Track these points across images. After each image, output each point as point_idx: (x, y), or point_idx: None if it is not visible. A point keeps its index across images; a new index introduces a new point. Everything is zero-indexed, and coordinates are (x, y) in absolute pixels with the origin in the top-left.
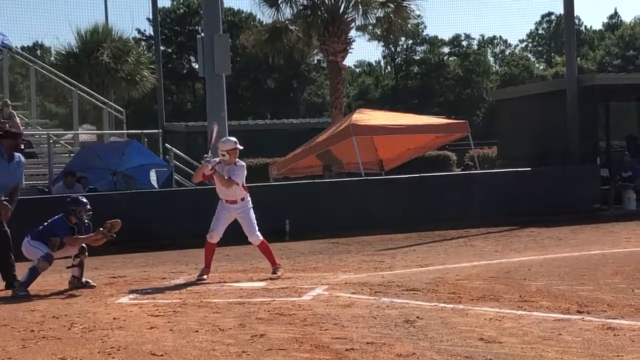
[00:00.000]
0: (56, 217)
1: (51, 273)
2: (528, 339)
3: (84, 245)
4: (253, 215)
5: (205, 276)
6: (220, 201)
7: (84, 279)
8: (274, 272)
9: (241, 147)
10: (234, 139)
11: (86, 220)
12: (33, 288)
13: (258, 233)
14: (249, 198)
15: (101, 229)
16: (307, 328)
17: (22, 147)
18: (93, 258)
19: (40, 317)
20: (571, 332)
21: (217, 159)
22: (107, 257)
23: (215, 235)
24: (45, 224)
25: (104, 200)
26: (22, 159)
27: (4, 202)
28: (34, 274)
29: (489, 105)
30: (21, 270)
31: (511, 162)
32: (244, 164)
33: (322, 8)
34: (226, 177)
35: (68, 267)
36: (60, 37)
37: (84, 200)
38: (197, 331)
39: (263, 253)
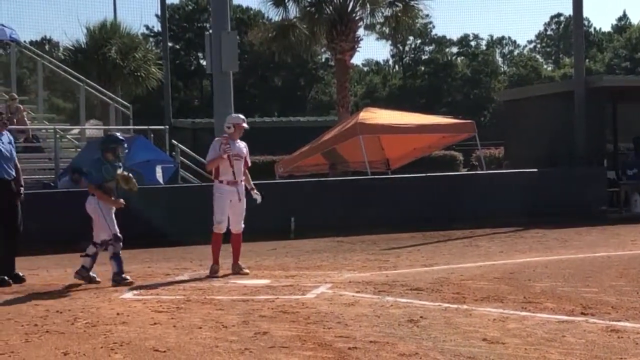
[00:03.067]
0: (94, 158)
1: (55, 268)
2: (531, 340)
3: (118, 234)
4: (245, 206)
5: (217, 273)
6: (218, 188)
7: (91, 273)
8: (240, 271)
9: (247, 126)
10: (242, 116)
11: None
12: (37, 282)
13: (242, 224)
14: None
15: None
16: (311, 326)
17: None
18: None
19: (43, 311)
20: (575, 334)
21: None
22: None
23: (222, 226)
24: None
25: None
26: (11, 137)
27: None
28: (118, 259)
29: (496, 106)
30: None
31: (518, 163)
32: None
33: (330, 6)
34: (236, 153)
35: (82, 256)
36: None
37: (121, 137)
38: (200, 328)
39: (234, 245)
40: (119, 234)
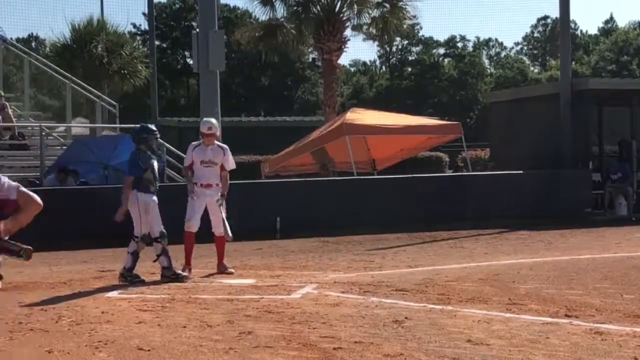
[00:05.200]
0: (131, 156)
1: (40, 266)
2: (516, 342)
3: (164, 230)
4: (224, 206)
5: (187, 273)
6: (192, 188)
7: (174, 270)
8: (225, 270)
9: (217, 133)
10: (213, 119)
11: (157, 150)
12: (21, 280)
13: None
14: None
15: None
16: (295, 326)
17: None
18: (82, 252)
19: (28, 309)
20: (559, 335)
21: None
22: (96, 251)
23: (192, 224)
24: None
25: (95, 193)
26: None
27: None
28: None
29: (482, 108)
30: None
31: (503, 165)
32: (226, 146)
33: (317, 7)
34: (209, 159)
35: (154, 261)
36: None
37: (153, 127)
38: (185, 327)
39: (218, 246)
40: (164, 230)
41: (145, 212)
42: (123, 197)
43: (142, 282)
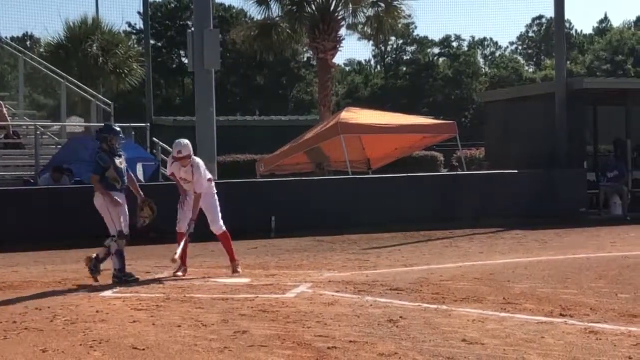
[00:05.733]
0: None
1: (35, 265)
2: (511, 341)
3: (123, 231)
4: (217, 203)
5: (180, 273)
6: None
7: (101, 266)
8: (234, 271)
9: (190, 154)
10: (185, 142)
11: (121, 152)
12: (16, 279)
13: (221, 223)
14: (214, 184)
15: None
16: (290, 325)
17: None
18: (77, 251)
19: (22, 308)
20: (554, 335)
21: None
22: (91, 250)
23: (180, 225)
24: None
25: (90, 193)
26: None
27: None
28: (121, 257)
29: (477, 107)
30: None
31: (498, 164)
32: (198, 160)
33: (312, 6)
34: (183, 177)
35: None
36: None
37: (116, 127)
38: (179, 326)
39: (223, 246)
40: (124, 231)
41: (114, 209)
42: (101, 192)
43: (137, 281)
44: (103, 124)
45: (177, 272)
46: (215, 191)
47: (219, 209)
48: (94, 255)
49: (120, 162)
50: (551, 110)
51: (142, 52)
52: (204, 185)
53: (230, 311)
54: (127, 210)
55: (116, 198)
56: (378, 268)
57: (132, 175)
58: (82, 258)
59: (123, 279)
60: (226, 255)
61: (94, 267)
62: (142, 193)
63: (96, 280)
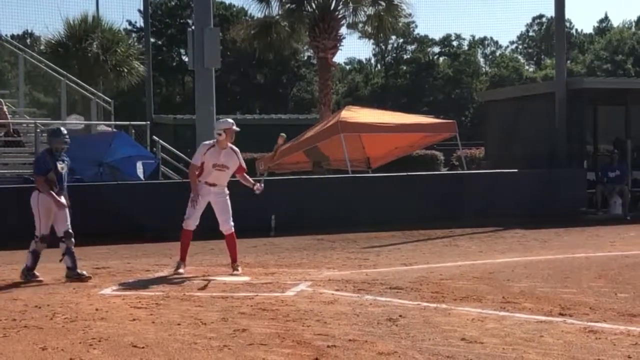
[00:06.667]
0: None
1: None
2: (510, 340)
3: (70, 230)
4: (229, 204)
5: (181, 269)
6: (195, 195)
7: (78, 270)
8: (234, 270)
9: (238, 129)
10: (230, 119)
11: (65, 158)
12: (16, 277)
13: (232, 223)
14: (225, 184)
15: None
16: (290, 324)
17: None
18: (77, 249)
19: (22, 306)
20: (553, 334)
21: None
22: (91, 248)
23: (191, 222)
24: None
25: (90, 190)
26: None
27: None
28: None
29: (477, 106)
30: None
31: (498, 163)
32: (236, 148)
33: (312, 4)
34: (222, 162)
35: (60, 260)
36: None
37: (63, 131)
38: (179, 324)
39: (228, 245)
40: (70, 230)
41: (46, 213)
42: (47, 195)
43: (39, 282)
44: (54, 127)
45: (177, 269)
46: (228, 192)
47: (230, 210)
48: (23, 268)
49: (62, 167)
50: (551, 109)
51: (142, 50)
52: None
53: (230, 309)
54: (65, 211)
55: (62, 200)
56: (378, 267)
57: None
58: (81, 256)
59: (28, 277)
60: (227, 254)
61: (30, 276)
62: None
63: (84, 280)
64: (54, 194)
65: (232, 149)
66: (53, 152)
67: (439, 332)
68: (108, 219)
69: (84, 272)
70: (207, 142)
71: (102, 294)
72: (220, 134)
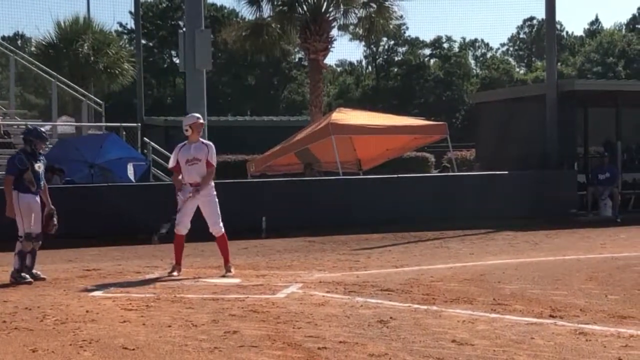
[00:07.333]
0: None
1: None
2: (500, 342)
3: (31, 233)
4: (217, 205)
5: (175, 273)
6: (181, 189)
7: (34, 270)
8: (227, 271)
9: (203, 122)
10: (197, 114)
11: (41, 157)
12: (6, 279)
13: (221, 224)
14: (213, 184)
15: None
16: (280, 326)
17: None
18: (68, 250)
19: (12, 308)
20: (543, 336)
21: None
22: (82, 250)
23: (182, 228)
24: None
25: (81, 192)
26: None
27: None
28: (21, 257)
29: (468, 108)
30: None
31: (489, 165)
32: (211, 142)
33: (303, 6)
34: (193, 157)
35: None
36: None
37: (43, 132)
38: (170, 326)
39: (220, 247)
40: (33, 235)
41: (26, 212)
42: (7, 197)
43: (29, 284)
44: (31, 127)
45: (172, 272)
46: (215, 193)
47: (219, 211)
48: (12, 271)
49: (39, 167)
50: (542, 111)
51: (133, 52)
52: (215, 159)
53: (221, 311)
54: (39, 211)
55: (28, 201)
56: (368, 268)
57: (46, 184)
58: (72, 257)
59: (18, 279)
60: (217, 256)
61: (20, 278)
62: (51, 203)
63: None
64: (13, 197)
65: (202, 142)
66: (34, 152)
67: (430, 334)
68: (99, 220)
69: (27, 276)
70: (179, 144)
71: (93, 296)
72: (187, 130)
